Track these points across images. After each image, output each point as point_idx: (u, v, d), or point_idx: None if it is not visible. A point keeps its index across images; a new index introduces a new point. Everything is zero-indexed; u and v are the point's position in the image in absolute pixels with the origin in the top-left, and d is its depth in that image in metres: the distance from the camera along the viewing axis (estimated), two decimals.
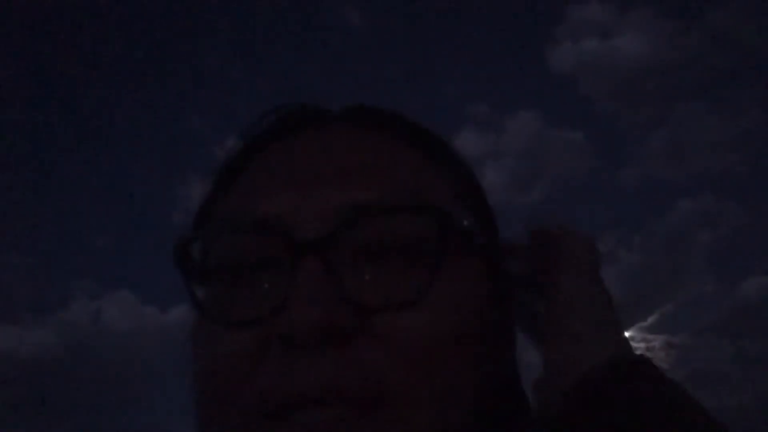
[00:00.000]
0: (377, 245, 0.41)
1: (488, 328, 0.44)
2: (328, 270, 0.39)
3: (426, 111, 0.53)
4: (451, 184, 0.48)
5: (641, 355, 0.47)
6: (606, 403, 0.43)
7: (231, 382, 0.40)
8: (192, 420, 0.44)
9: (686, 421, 0.42)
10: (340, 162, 0.44)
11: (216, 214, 0.48)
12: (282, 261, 0.40)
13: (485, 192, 0.52)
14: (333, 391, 0.37)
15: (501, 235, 0.53)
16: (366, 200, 0.41)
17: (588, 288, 0.50)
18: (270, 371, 0.38)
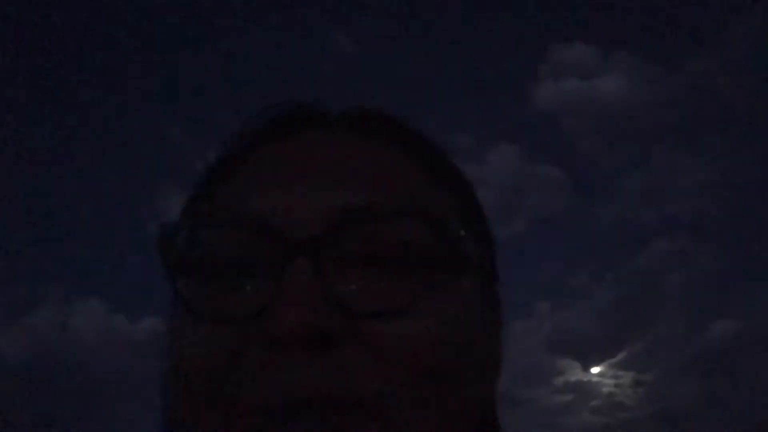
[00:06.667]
0: (369, 250, 0.40)
1: (476, 346, 0.43)
2: (317, 272, 0.38)
3: None
4: (447, 195, 0.47)
5: None
6: None
7: (206, 379, 0.38)
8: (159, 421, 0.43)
9: None
10: (335, 165, 0.44)
11: (206, 208, 0.46)
12: (270, 260, 0.39)
13: (484, 210, 0.51)
14: (319, 395, 0.36)
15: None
16: (358, 204, 0.40)
17: None
18: (251, 374, 0.37)
